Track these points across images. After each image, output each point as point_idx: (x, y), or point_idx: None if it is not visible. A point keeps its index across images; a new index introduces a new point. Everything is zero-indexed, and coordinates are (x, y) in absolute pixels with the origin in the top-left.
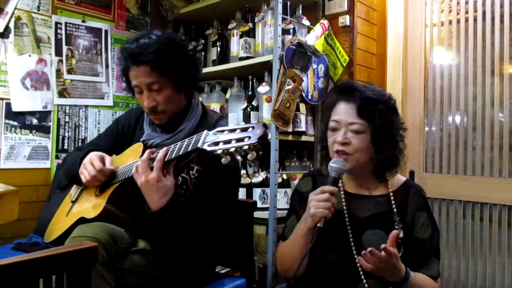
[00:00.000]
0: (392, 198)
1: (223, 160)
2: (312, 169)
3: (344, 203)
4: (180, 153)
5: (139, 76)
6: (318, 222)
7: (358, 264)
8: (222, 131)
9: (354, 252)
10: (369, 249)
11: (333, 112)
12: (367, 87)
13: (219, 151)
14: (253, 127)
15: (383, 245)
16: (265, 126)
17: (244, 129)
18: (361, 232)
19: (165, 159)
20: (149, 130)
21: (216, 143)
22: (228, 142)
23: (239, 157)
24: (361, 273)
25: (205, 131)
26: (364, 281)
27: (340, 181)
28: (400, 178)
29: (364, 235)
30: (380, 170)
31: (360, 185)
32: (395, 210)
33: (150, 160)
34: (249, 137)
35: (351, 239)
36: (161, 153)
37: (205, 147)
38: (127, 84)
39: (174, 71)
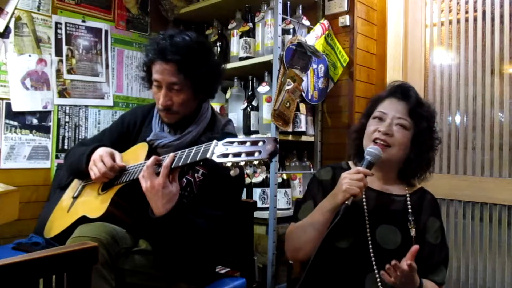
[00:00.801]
0: (408, 199)
1: (232, 173)
2: (312, 169)
3: (364, 196)
4: (188, 162)
5: (164, 73)
6: (347, 199)
7: (371, 255)
8: (232, 142)
9: (370, 242)
10: (392, 262)
11: (380, 105)
12: (418, 94)
13: (229, 164)
14: (263, 141)
15: (408, 262)
16: (276, 141)
17: (254, 143)
18: (376, 225)
19: (172, 166)
20: (157, 129)
21: (226, 155)
22: (237, 155)
23: (248, 171)
24: (374, 263)
25: (215, 141)
26: (376, 271)
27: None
28: (417, 183)
29: (379, 228)
30: (407, 172)
31: (381, 182)
32: (410, 210)
33: (156, 165)
34: (260, 152)
35: (368, 230)
36: (168, 160)
37: (214, 158)
38: (148, 76)
39: (198, 77)
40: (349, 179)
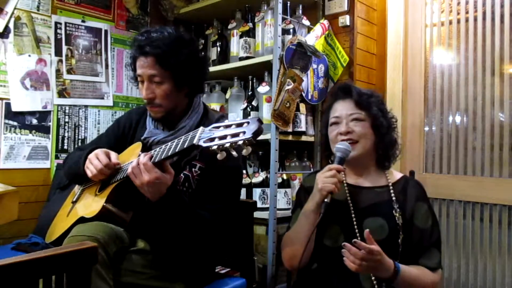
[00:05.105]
0: (391, 188)
1: (218, 156)
2: (312, 169)
3: (347, 194)
4: (177, 150)
5: (144, 66)
6: (325, 197)
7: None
8: (218, 127)
9: (358, 237)
10: (343, 244)
11: (331, 112)
12: (358, 87)
13: (215, 147)
14: (248, 122)
15: (354, 240)
16: (260, 121)
17: (239, 125)
18: (362, 219)
19: (163, 157)
20: (151, 127)
21: (212, 139)
22: (223, 137)
23: (234, 153)
24: None
25: (201, 128)
26: None
27: (343, 173)
28: (398, 173)
29: (365, 222)
30: (382, 159)
31: (362, 177)
32: (394, 199)
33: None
34: (244, 132)
35: (355, 227)
36: (145, 158)
37: (201, 143)
38: (135, 74)
39: (177, 68)
40: (323, 178)
